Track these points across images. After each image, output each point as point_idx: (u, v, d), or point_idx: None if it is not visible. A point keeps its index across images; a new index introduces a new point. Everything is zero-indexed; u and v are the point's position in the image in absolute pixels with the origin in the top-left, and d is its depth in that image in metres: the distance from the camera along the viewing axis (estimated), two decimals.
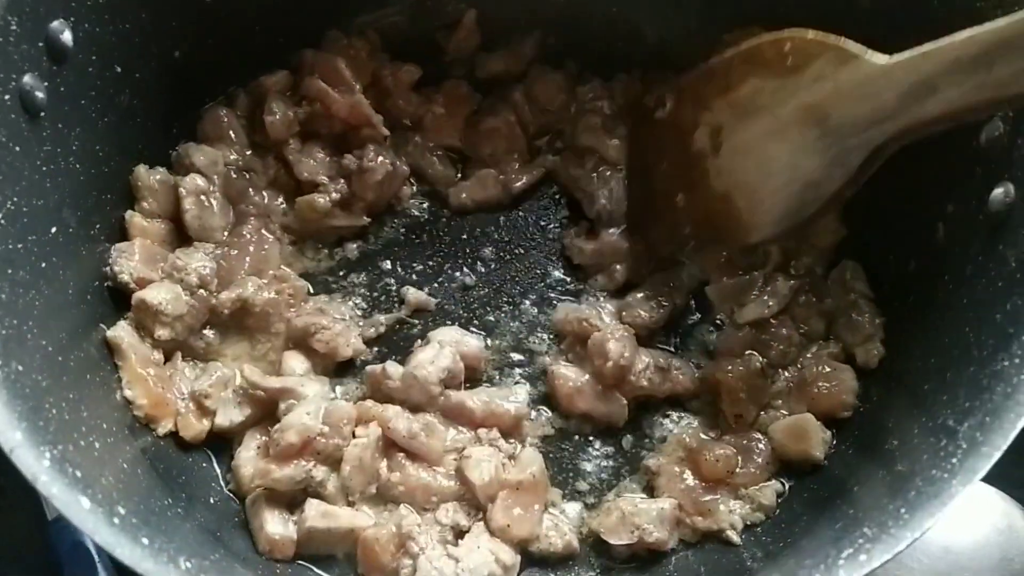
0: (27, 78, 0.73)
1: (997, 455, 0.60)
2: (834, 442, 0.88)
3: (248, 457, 0.85)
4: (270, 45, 0.99)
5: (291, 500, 0.83)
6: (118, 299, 0.88)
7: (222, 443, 0.89)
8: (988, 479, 0.61)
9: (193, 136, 0.98)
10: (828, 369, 0.89)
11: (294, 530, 0.82)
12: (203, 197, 0.94)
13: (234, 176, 0.97)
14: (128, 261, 0.88)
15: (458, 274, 1.01)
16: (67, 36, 0.77)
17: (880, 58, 0.66)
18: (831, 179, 0.68)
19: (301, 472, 0.82)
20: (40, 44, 0.75)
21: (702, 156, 0.77)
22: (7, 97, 0.71)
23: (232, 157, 0.97)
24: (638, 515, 0.83)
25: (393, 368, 0.89)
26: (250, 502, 0.84)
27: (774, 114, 0.71)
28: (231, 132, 0.98)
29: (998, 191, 0.73)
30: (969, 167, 0.77)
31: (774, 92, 0.71)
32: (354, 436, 0.84)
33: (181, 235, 0.94)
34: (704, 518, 0.85)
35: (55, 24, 0.76)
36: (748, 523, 0.86)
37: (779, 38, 0.73)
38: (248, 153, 0.99)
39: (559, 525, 0.85)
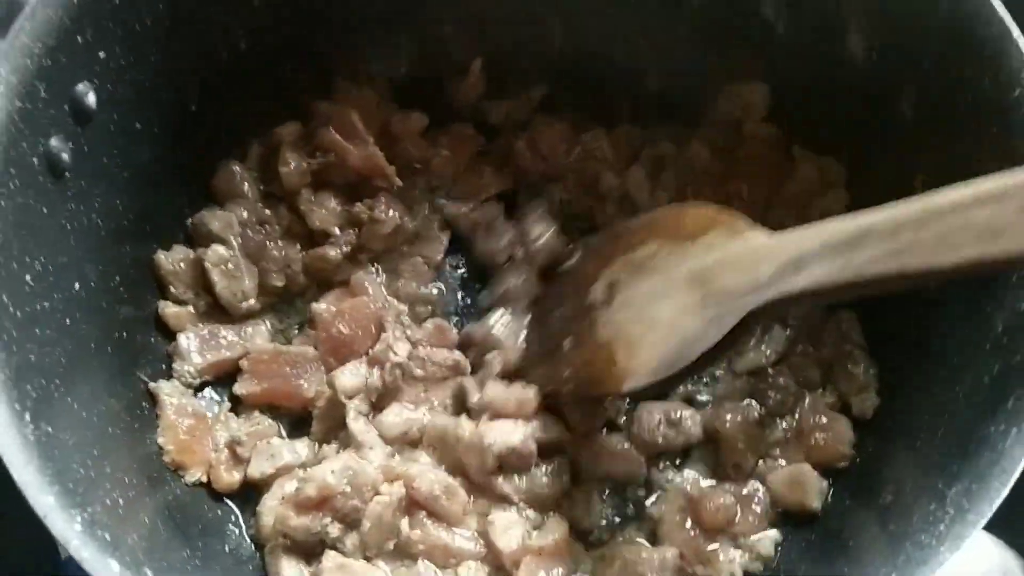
0: (53, 140, 0.76)
1: (983, 523, 0.62)
2: (831, 492, 0.89)
3: (272, 506, 0.86)
4: (280, 95, 1.01)
5: (310, 551, 0.84)
6: (134, 350, 0.90)
7: (246, 490, 0.91)
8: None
9: (207, 187, 1.00)
10: (824, 419, 0.91)
11: None
12: (228, 265, 0.96)
13: (250, 233, 0.99)
14: (190, 366, 0.93)
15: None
16: (91, 98, 0.79)
17: (762, 235, 0.73)
18: (705, 338, 0.74)
19: (317, 525, 0.82)
20: (65, 107, 0.77)
21: (594, 306, 0.84)
22: (35, 160, 0.73)
23: (245, 215, 0.99)
24: (640, 564, 0.85)
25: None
26: (269, 550, 0.85)
27: (665, 275, 0.78)
28: (244, 186, 1.00)
29: None
30: None
31: (668, 255, 0.78)
32: (378, 493, 0.85)
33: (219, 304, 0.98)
34: (705, 567, 0.87)
35: (80, 87, 0.78)
36: (747, 572, 0.88)
37: (682, 208, 0.82)
38: (259, 206, 1.00)
39: None
